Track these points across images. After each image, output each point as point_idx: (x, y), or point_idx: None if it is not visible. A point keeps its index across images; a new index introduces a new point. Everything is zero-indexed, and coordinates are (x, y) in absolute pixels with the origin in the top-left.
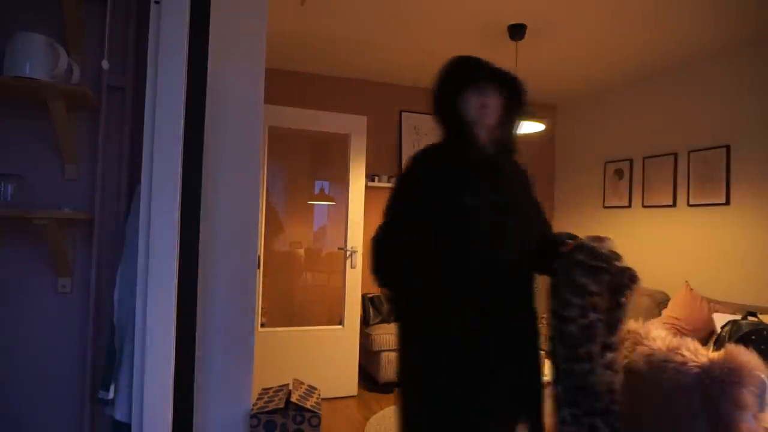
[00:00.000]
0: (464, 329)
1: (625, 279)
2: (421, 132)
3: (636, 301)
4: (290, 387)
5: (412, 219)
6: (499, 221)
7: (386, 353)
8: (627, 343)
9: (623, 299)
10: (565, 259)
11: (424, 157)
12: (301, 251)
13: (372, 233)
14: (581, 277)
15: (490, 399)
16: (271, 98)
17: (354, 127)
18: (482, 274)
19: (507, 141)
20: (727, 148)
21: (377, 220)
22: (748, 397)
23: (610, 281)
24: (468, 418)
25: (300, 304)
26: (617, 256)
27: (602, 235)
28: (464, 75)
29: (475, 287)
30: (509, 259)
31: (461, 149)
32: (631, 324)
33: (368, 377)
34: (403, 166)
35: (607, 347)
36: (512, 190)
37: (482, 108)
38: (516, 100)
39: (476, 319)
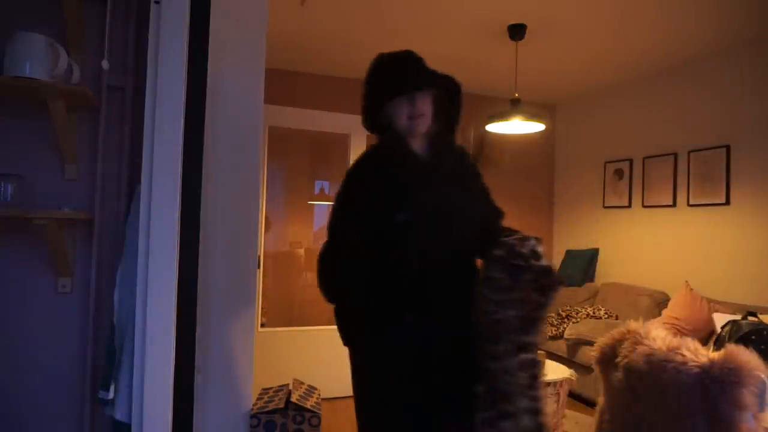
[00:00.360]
0: (398, 336)
1: (549, 279)
2: None
3: (554, 300)
4: (290, 387)
5: (348, 236)
6: (433, 233)
7: None
8: (627, 343)
9: (544, 299)
10: (488, 255)
11: (357, 172)
12: (301, 251)
13: None
14: (497, 272)
15: (423, 401)
16: (271, 98)
17: (354, 127)
18: (415, 285)
19: (444, 143)
20: (727, 148)
21: None
22: (748, 397)
23: (533, 280)
24: (402, 418)
25: (300, 304)
26: (538, 256)
27: (543, 237)
28: (390, 83)
29: (408, 297)
30: (444, 268)
31: (393, 163)
32: (631, 324)
33: None
34: (341, 182)
35: (522, 348)
36: (452, 194)
37: (411, 118)
38: (450, 99)
39: (410, 326)
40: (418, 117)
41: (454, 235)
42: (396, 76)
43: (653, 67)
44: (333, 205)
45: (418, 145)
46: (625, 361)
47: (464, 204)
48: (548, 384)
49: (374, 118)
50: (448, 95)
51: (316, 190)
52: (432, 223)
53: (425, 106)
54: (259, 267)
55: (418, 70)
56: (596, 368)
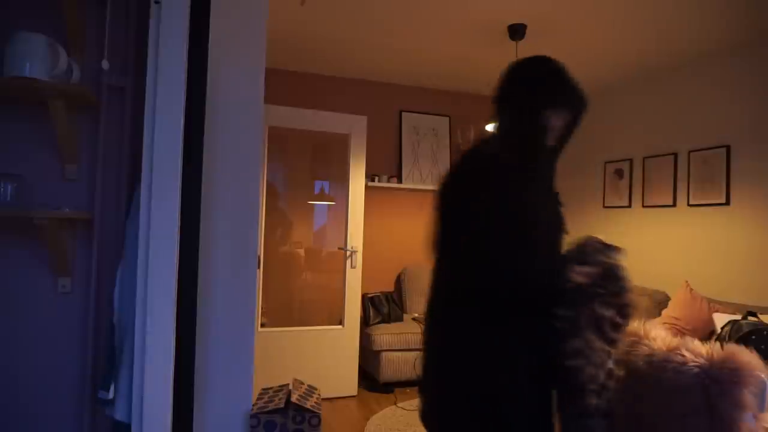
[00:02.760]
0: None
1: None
2: (421, 132)
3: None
4: (290, 387)
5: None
6: (560, 232)
7: (386, 353)
8: (627, 343)
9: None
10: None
11: (509, 167)
12: (301, 251)
13: (373, 233)
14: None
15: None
16: (271, 98)
17: (354, 127)
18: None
19: (556, 155)
20: (727, 148)
21: (377, 220)
22: (748, 397)
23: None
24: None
25: (300, 304)
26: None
27: (603, 236)
28: (570, 93)
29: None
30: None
31: (536, 166)
32: (631, 324)
33: (368, 377)
34: (489, 173)
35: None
36: (558, 203)
37: (552, 131)
38: (579, 119)
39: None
40: (556, 131)
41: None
42: (566, 88)
43: (653, 67)
44: (489, 197)
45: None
46: (625, 361)
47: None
48: None
49: (521, 109)
50: (576, 113)
51: (316, 190)
52: (559, 229)
53: (563, 121)
54: (259, 267)
55: (575, 87)
56: None
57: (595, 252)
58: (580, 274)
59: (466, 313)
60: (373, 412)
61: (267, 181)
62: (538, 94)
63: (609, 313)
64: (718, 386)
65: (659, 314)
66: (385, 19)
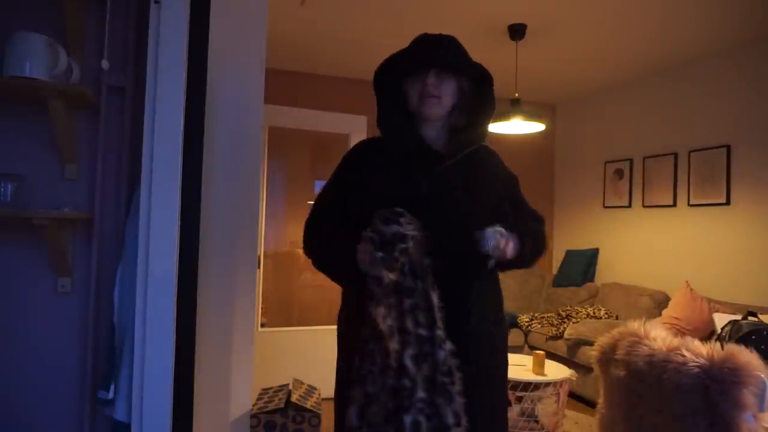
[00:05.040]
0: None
1: None
2: None
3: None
4: (290, 387)
5: (338, 207)
6: (423, 211)
7: None
8: (627, 343)
9: None
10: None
11: (361, 147)
12: (301, 251)
13: None
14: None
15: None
16: (271, 98)
17: (354, 127)
18: None
19: (467, 138)
20: (727, 148)
21: None
22: (748, 397)
23: None
24: None
25: (300, 304)
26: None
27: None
28: (407, 57)
29: None
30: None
31: (398, 140)
32: (631, 324)
33: None
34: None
35: None
36: (451, 183)
37: (422, 96)
38: (479, 91)
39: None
40: (429, 97)
41: (450, 223)
42: (418, 51)
43: (653, 67)
44: (328, 182)
45: (433, 133)
46: (626, 361)
47: (478, 198)
48: (548, 384)
49: (388, 96)
50: (477, 86)
51: (316, 190)
52: (424, 204)
53: (441, 88)
54: (259, 267)
55: (443, 49)
56: (596, 368)
57: (381, 218)
58: (362, 252)
59: None
60: None
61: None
62: (387, 68)
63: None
64: (718, 386)
65: (659, 314)
66: (385, 19)
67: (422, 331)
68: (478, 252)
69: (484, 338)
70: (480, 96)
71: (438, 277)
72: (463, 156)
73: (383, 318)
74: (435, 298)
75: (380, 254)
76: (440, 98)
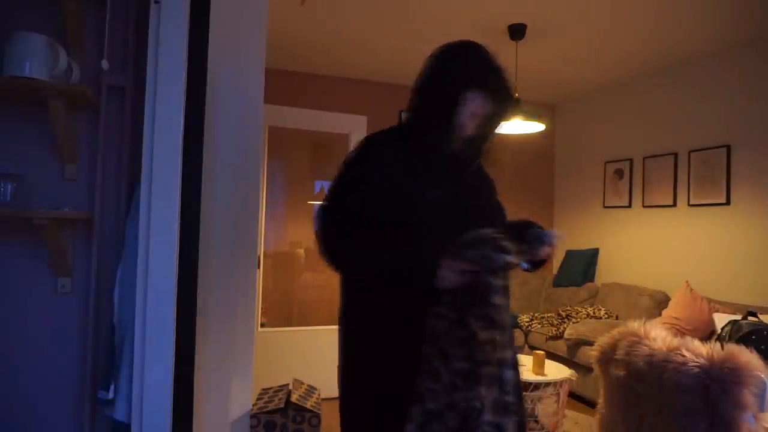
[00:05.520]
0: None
1: None
2: None
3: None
4: (290, 387)
5: (372, 204)
6: (460, 216)
7: None
8: (627, 343)
9: None
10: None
11: (385, 141)
12: (301, 251)
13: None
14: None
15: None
16: (271, 98)
17: (354, 127)
18: None
19: (478, 144)
20: (727, 148)
21: None
22: (748, 397)
23: None
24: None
25: (300, 304)
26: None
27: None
28: (478, 73)
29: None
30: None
31: (433, 144)
32: (631, 324)
33: None
34: (359, 146)
35: None
36: (475, 190)
37: (472, 117)
38: (504, 111)
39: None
40: (476, 118)
41: (477, 225)
42: (481, 69)
43: (653, 67)
44: (349, 164)
45: (458, 137)
46: (626, 361)
47: (487, 204)
48: (548, 384)
49: (436, 101)
50: (505, 105)
51: (316, 190)
52: (459, 206)
53: (485, 109)
54: (259, 267)
55: (503, 81)
56: (596, 368)
57: (478, 244)
58: (450, 271)
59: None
60: None
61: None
62: (455, 72)
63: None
64: (718, 386)
65: (659, 314)
66: (385, 19)
67: (502, 354)
68: (533, 252)
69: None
70: (500, 115)
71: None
72: (475, 167)
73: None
74: (508, 319)
75: (492, 281)
76: (479, 117)
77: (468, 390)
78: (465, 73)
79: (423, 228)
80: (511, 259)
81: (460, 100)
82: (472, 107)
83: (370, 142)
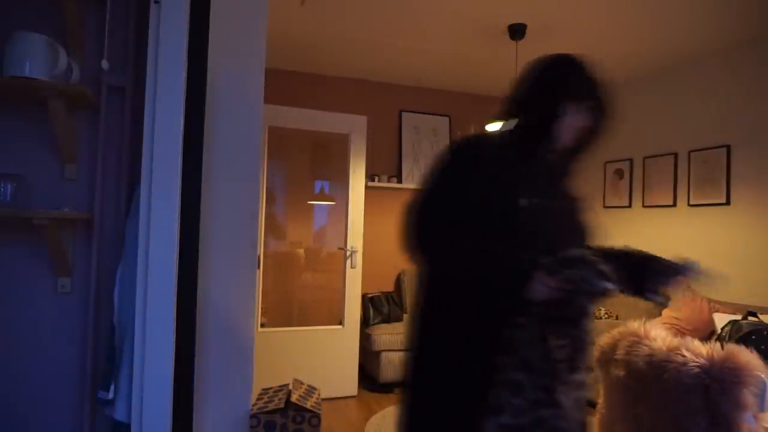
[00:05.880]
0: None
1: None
2: (422, 132)
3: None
4: (290, 387)
5: (472, 202)
6: (552, 227)
7: (386, 353)
8: (627, 344)
9: None
10: None
11: (489, 144)
12: (301, 251)
13: (374, 231)
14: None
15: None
16: (271, 98)
17: (354, 127)
18: None
19: (574, 158)
20: (727, 148)
21: (377, 220)
22: (748, 397)
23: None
24: None
25: (300, 304)
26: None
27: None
28: (581, 85)
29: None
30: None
31: (532, 153)
32: (631, 324)
33: (368, 377)
34: (465, 140)
35: None
36: (567, 204)
37: (570, 130)
38: (603, 126)
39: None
40: (575, 128)
41: (572, 237)
42: (583, 81)
43: (653, 67)
44: (450, 161)
45: (556, 150)
46: (626, 361)
47: (573, 222)
48: None
49: (539, 109)
50: (598, 117)
51: (316, 190)
52: (555, 216)
53: (584, 121)
54: (259, 267)
55: (599, 83)
56: (596, 368)
57: (578, 265)
58: (545, 285)
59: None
60: (373, 412)
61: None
62: (558, 83)
63: (557, 343)
64: (718, 386)
65: (659, 314)
66: (385, 19)
67: (579, 376)
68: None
69: None
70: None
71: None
72: (567, 178)
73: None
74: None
75: (587, 305)
76: (581, 133)
77: (555, 407)
78: (567, 85)
79: (516, 235)
80: (610, 286)
81: (560, 111)
82: (571, 120)
83: (475, 140)
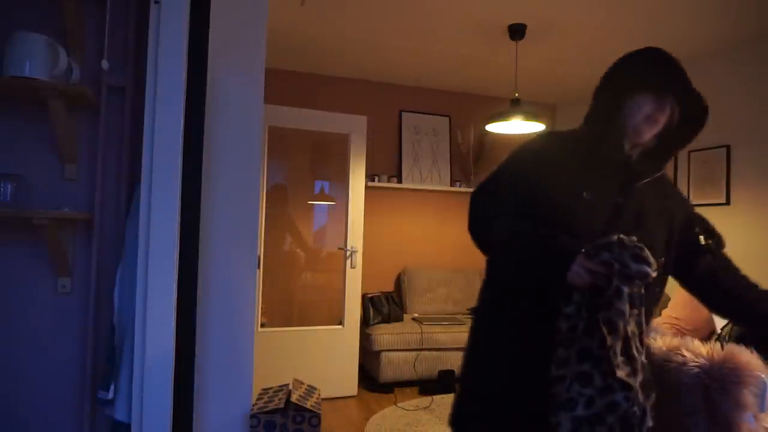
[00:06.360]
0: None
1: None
2: (422, 132)
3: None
4: (290, 387)
5: (525, 194)
6: (612, 223)
7: (386, 353)
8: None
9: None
10: None
11: (557, 138)
12: (301, 251)
13: (373, 233)
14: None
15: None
16: (271, 98)
17: (354, 127)
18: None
19: (653, 163)
20: (727, 148)
21: (377, 220)
22: (748, 397)
23: None
24: None
25: (300, 304)
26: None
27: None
28: (651, 75)
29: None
30: None
31: (598, 147)
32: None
33: (368, 377)
34: (536, 136)
35: None
36: (644, 204)
37: (647, 121)
38: (686, 121)
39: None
40: (654, 122)
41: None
42: (660, 71)
43: None
44: (518, 154)
45: (631, 145)
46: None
47: (643, 222)
48: None
49: (609, 102)
50: (688, 114)
51: (316, 190)
52: (616, 214)
53: (664, 115)
54: (259, 267)
55: (680, 75)
56: None
57: (633, 252)
58: (582, 268)
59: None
60: (373, 412)
61: (278, 181)
62: (624, 72)
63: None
64: (718, 386)
65: (659, 314)
66: (385, 19)
67: (644, 359)
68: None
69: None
70: (684, 122)
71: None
72: (652, 179)
73: (616, 346)
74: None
75: (623, 288)
76: (658, 124)
77: (625, 390)
78: (633, 73)
79: (567, 227)
80: (648, 270)
81: (628, 101)
82: (646, 111)
83: (543, 135)
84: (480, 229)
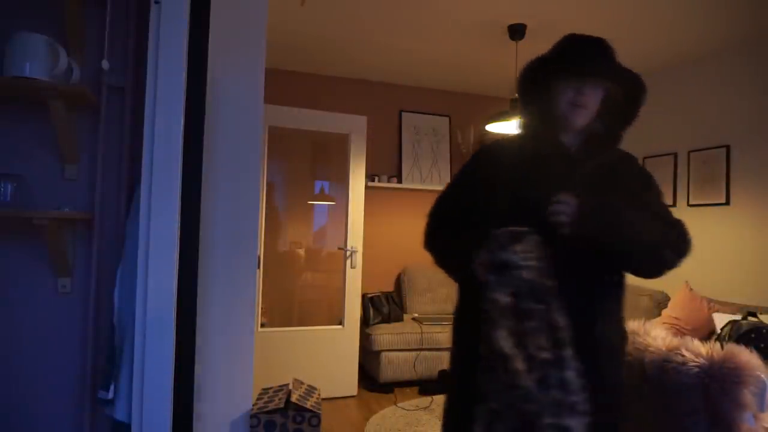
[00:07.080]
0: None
1: None
2: (421, 132)
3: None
4: (290, 387)
5: (467, 204)
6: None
7: (386, 353)
8: (627, 343)
9: None
10: None
11: (493, 146)
12: (301, 251)
13: (373, 233)
14: None
15: None
16: (271, 98)
17: (354, 127)
18: None
19: (602, 144)
20: (727, 148)
21: (377, 220)
22: (748, 396)
23: None
24: None
25: (300, 304)
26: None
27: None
28: (563, 62)
29: None
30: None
31: (534, 143)
32: (631, 324)
33: (368, 377)
34: (474, 153)
35: None
36: (595, 191)
37: (571, 107)
38: (628, 99)
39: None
40: (579, 107)
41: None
42: (571, 57)
43: (652, 68)
44: (455, 179)
45: (571, 138)
46: (626, 361)
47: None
48: None
49: (533, 98)
50: (627, 94)
51: (316, 190)
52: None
53: (592, 98)
54: (259, 267)
55: (598, 56)
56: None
57: (497, 242)
58: (476, 264)
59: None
60: (373, 412)
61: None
62: (540, 63)
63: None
64: (718, 386)
65: (659, 314)
66: (385, 19)
67: (545, 354)
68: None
69: (609, 352)
70: (625, 102)
71: (566, 292)
72: (597, 163)
73: (503, 340)
74: (561, 318)
75: (493, 277)
76: (587, 108)
77: (517, 389)
78: (546, 63)
79: (514, 225)
80: (512, 258)
81: (551, 92)
82: (567, 98)
83: (481, 147)
84: (428, 248)
